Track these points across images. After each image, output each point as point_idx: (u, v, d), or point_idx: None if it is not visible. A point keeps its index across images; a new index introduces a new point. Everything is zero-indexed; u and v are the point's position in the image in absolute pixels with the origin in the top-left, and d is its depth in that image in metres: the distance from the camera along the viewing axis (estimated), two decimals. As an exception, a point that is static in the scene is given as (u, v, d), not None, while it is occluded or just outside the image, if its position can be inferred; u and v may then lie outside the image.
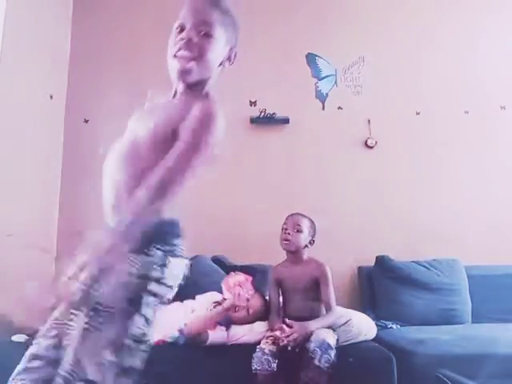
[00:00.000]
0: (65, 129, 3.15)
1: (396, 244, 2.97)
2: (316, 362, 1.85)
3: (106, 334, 1.05)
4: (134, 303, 1.07)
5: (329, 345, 1.91)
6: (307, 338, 1.98)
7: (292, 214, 2.39)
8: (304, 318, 2.11)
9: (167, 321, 2.14)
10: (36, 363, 1.11)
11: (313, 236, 2.33)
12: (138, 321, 1.07)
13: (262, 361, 1.91)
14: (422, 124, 3.23)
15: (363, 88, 3.28)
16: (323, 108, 3.27)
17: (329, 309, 2.16)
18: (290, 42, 3.31)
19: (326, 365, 1.85)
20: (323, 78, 3.29)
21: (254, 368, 1.91)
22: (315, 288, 2.21)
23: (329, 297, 2.18)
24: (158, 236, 1.13)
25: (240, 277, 2.34)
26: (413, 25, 3.34)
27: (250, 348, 2.00)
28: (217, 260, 2.83)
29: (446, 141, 3.22)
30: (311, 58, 3.31)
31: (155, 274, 1.09)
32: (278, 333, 2.00)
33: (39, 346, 1.14)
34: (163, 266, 1.11)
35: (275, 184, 3.16)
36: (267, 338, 2.05)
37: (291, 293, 2.25)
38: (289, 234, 2.28)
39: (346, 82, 3.29)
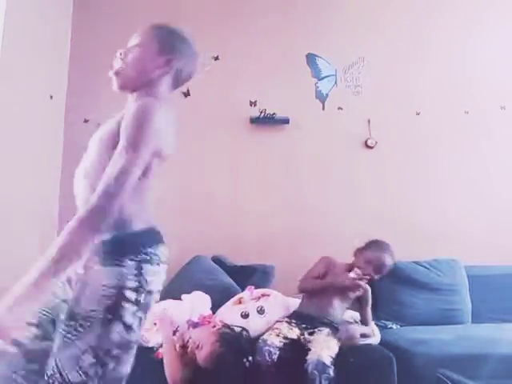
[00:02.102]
0: (65, 129, 3.15)
1: (396, 244, 2.96)
2: (317, 383, 1.88)
3: (86, 341, 1.09)
4: (112, 311, 1.11)
5: (324, 364, 1.91)
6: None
7: (380, 254, 2.32)
8: (318, 315, 2.18)
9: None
10: (14, 349, 1.14)
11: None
12: (119, 328, 1.11)
13: (265, 352, 1.93)
14: (422, 124, 3.23)
15: (363, 88, 3.28)
16: (323, 108, 3.27)
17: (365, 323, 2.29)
18: (289, 42, 3.31)
19: (327, 382, 1.88)
20: (323, 78, 3.29)
21: (257, 359, 1.93)
22: (346, 302, 2.27)
23: (369, 319, 2.29)
24: (129, 247, 1.16)
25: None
26: (413, 25, 3.34)
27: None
28: (217, 260, 2.83)
29: (446, 141, 3.22)
30: (311, 58, 3.31)
31: (130, 283, 1.13)
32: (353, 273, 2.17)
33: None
34: (138, 275, 1.14)
35: (275, 184, 3.16)
36: (273, 329, 2.08)
37: (323, 292, 2.24)
38: (367, 274, 2.26)
39: (346, 82, 3.29)
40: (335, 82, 3.29)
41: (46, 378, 1.09)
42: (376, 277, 2.28)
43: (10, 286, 1.00)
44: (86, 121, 3.15)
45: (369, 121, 3.22)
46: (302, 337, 2.10)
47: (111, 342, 1.11)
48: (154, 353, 2.02)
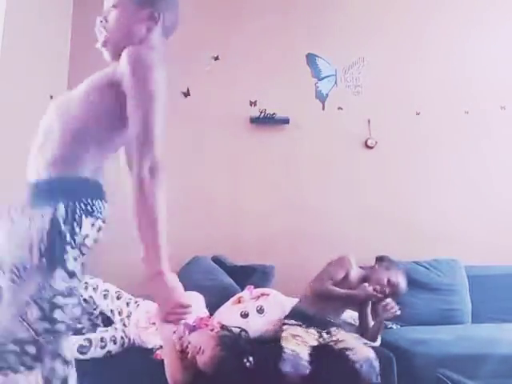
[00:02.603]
0: (65, 129, 3.15)
1: (396, 244, 2.97)
2: (373, 380, 1.86)
3: (27, 291, 1.01)
4: (50, 257, 1.03)
5: (374, 359, 1.91)
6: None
7: (399, 276, 2.28)
8: (328, 316, 2.18)
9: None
10: None
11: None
12: (61, 275, 1.04)
13: (299, 364, 1.86)
14: (422, 124, 3.23)
15: (363, 88, 3.28)
16: (323, 108, 3.26)
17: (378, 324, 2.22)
18: (289, 42, 3.31)
19: (378, 379, 1.88)
20: (323, 78, 3.29)
21: (285, 370, 1.85)
22: (355, 310, 2.27)
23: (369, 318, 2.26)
24: (64, 191, 1.12)
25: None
26: (413, 25, 3.34)
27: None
28: (217, 260, 2.83)
29: (446, 141, 3.22)
30: (311, 58, 3.31)
31: (64, 227, 1.06)
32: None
33: None
34: (73, 220, 1.08)
35: (275, 184, 3.15)
36: (294, 337, 2.01)
37: (335, 296, 2.20)
38: (384, 292, 2.21)
39: (346, 82, 3.29)
40: (335, 82, 3.29)
41: None
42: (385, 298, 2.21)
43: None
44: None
45: (369, 121, 3.22)
46: (320, 339, 2.09)
47: (54, 290, 1.03)
48: (153, 354, 2.02)
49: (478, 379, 2.01)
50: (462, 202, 3.15)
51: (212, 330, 2.02)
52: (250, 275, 2.67)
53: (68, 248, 1.05)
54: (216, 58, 3.24)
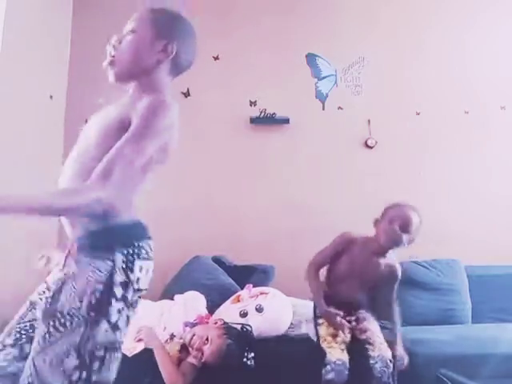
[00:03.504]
0: (65, 129, 3.15)
1: (396, 244, 2.97)
2: (385, 380, 1.87)
3: (69, 341, 1.00)
4: (98, 309, 1.02)
5: (390, 360, 1.92)
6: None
7: (404, 209, 2.06)
8: (346, 305, 2.10)
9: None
10: None
11: (415, 235, 2.03)
12: (105, 327, 1.03)
13: (344, 374, 1.85)
14: (422, 124, 3.23)
15: (363, 88, 3.28)
16: (323, 108, 3.27)
17: (392, 311, 2.12)
18: (290, 42, 3.31)
19: (390, 380, 1.88)
20: (323, 78, 3.29)
21: (329, 377, 1.84)
22: (371, 287, 2.13)
23: (394, 301, 2.14)
24: (119, 239, 1.09)
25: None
26: (413, 25, 3.34)
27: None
28: (217, 260, 2.83)
29: (446, 141, 3.22)
30: (311, 58, 3.31)
31: (119, 278, 1.05)
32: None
33: None
34: (127, 269, 1.06)
35: (275, 184, 3.15)
36: (334, 337, 1.98)
37: (350, 275, 2.10)
38: (398, 234, 1.99)
39: (346, 82, 3.29)
40: (335, 82, 3.29)
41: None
42: (404, 238, 1.99)
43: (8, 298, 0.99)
44: (86, 121, 3.15)
45: (369, 121, 3.22)
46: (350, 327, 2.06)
47: (96, 342, 1.01)
48: (153, 354, 2.02)
49: (478, 379, 2.01)
50: (462, 202, 3.15)
51: (215, 324, 2.03)
52: (250, 275, 2.67)
53: (113, 300, 1.04)
54: (216, 58, 3.24)
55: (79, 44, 3.24)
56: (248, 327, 2.07)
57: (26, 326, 1.15)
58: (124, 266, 1.06)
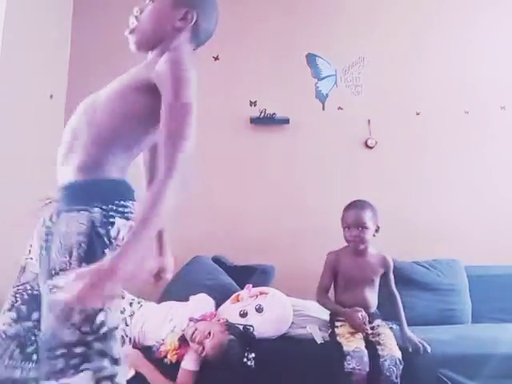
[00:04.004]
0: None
1: (396, 244, 2.97)
2: (393, 379, 1.91)
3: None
4: (88, 261, 1.01)
5: (399, 360, 1.96)
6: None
7: (351, 208, 2.27)
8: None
9: (151, 325, 2.11)
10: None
11: (377, 223, 2.27)
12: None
13: (364, 360, 1.91)
14: (422, 124, 3.23)
15: (363, 88, 3.28)
16: (323, 108, 3.27)
17: (395, 299, 2.29)
18: (290, 42, 3.31)
19: (398, 380, 1.91)
20: (323, 78, 3.29)
21: (351, 367, 1.90)
22: (375, 280, 2.27)
23: (394, 287, 2.30)
24: (98, 194, 1.10)
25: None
26: (413, 25, 3.34)
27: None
28: (217, 260, 2.83)
29: (446, 141, 3.22)
30: (311, 58, 3.31)
31: (100, 230, 1.06)
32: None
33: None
34: (107, 224, 1.07)
35: (275, 184, 3.16)
36: (352, 334, 2.07)
37: (349, 282, 2.25)
38: (355, 235, 2.21)
39: (346, 82, 3.29)
40: (335, 82, 3.29)
41: (35, 344, 1.04)
42: (361, 233, 2.20)
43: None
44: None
45: (369, 121, 3.22)
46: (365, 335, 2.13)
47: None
48: (154, 352, 2.02)
49: (478, 379, 2.01)
50: (462, 201, 3.15)
51: (218, 321, 2.04)
52: (250, 275, 2.67)
53: (106, 250, 1.05)
54: (216, 58, 3.25)
55: (79, 44, 3.24)
56: (250, 327, 2.08)
57: (19, 289, 1.17)
58: (102, 220, 1.07)
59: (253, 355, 1.93)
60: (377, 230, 2.28)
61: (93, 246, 1.04)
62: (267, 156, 3.19)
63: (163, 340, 2.05)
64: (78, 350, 1.00)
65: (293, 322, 2.28)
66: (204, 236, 2.99)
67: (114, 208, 1.10)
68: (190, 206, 3.04)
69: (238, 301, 2.33)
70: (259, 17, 3.31)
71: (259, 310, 2.25)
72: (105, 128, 1.14)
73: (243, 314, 2.22)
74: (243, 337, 2.01)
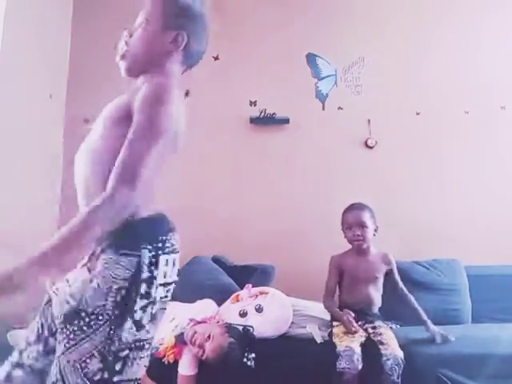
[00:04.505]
0: (65, 129, 3.15)
1: (396, 244, 2.97)
2: (395, 378, 1.92)
3: (92, 342, 0.98)
4: (123, 308, 1.00)
5: (401, 359, 1.97)
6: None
7: (350, 210, 2.37)
8: (362, 307, 2.27)
9: None
10: (19, 372, 1.08)
11: (375, 224, 2.36)
12: (129, 326, 1.00)
13: (354, 360, 1.93)
14: (422, 124, 3.23)
15: (363, 88, 3.28)
16: (323, 108, 3.26)
17: (404, 293, 2.37)
18: (290, 42, 3.30)
19: (399, 380, 1.93)
20: (323, 78, 3.29)
21: (341, 366, 1.92)
22: (379, 278, 2.34)
23: (402, 285, 2.39)
24: (144, 235, 1.06)
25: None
26: (413, 25, 3.34)
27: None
28: (217, 260, 2.83)
29: (446, 141, 3.22)
30: (311, 58, 3.31)
31: (144, 274, 1.02)
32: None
33: (22, 353, 1.11)
34: (152, 264, 1.04)
35: (275, 184, 3.15)
36: (346, 333, 2.10)
37: (353, 282, 2.31)
38: (358, 235, 2.30)
39: (346, 82, 3.29)
40: (335, 82, 3.29)
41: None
42: (361, 232, 2.30)
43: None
44: (86, 120, 3.15)
45: (369, 121, 3.22)
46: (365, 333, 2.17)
47: (121, 341, 0.99)
48: (155, 353, 2.02)
49: (478, 379, 2.01)
50: (462, 201, 3.15)
51: (218, 322, 2.04)
52: (250, 275, 2.67)
53: (137, 298, 1.01)
54: (216, 58, 3.24)
55: (79, 43, 3.24)
56: (250, 328, 2.08)
57: (46, 320, 1.12)
58: (149, 262, 1.03)
59: (253, 355, 1.93)
60: (376, 230, 2.36)
61: (131, 293, 1.01)
62: (267, 156, 3.19)
63: (163, 339, 2.05)
64: None
65: (292, 322, 2.28)
66: (204, 236, 2.99)
67: (160, 245, 1.07)
68: (190, 206, 3.04)
69: (238, 301, 2.33)
70: (259, 17, 3.31)
71: (259, 309, 2.25)
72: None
73: (243, 314, 2.22)
74: (243, 338, 2.01)
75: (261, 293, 2.36)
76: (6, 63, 2.51)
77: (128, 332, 1.01)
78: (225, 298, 2.40)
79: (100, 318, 0.99)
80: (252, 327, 2.09)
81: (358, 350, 2.00)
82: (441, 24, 3.34)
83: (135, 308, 1.01)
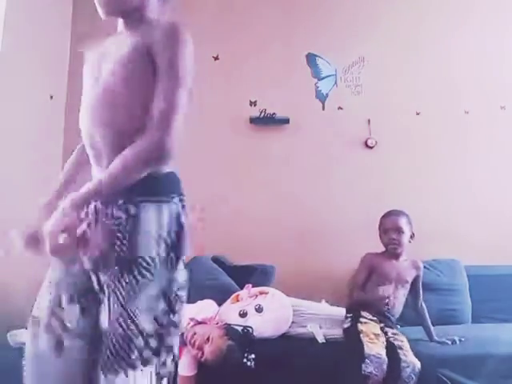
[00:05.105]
0: (65, 129, 3.15)
1: (396, 244, 2.97)
2: None
3: (156, 286, 1.01)
4: (176, 249, 1.05)
5: (419, 369, 1.96)
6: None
7: (389, 215, 2.44)
8: (385, 310, 2.28)
9: None
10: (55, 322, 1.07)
11: (412, 230, 2.39)
12: (181, 267, 1.06)
13: (383, 368, 1.92)
14: (422, 124, 3.23)
15: (363, 88, 3.27)
16: (323, 108, 3.26)
17: (422, 306, 2.40)
18: (290, 42, 3.30)
19: None
20: (323, 78, 3.29)
21: (369, 370, 1.91)
22: (408, 284, 2.36)
23: (421, 296, 2.41)
24: (176, 185, 1.17)
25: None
26: (413, 25, 3.33)
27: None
28: (217, 260, 2.83)
29: (446, 141, 3.22)
30: (311, 58, 3.31)
31: (183, 219, 1.10)
32: None
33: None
34: (181, 214, 1.11)
35: (275, 184, 3.15)
36: (376, 336, 2.09)
37: (382, 283, 2.33)
38: (394, 239, 2.35)
39: (346, 82, 3.29)
40: (335, 82, 3.29)
41: (111, 334, 0.97)
42: (399, 237, 2.35)
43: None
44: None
45: (369, 121, 3.22)
46: (387, 337, 2.16)
47: (178, 282, 1.05)
48: None
49: (478, 379, 2.01)
50: (462, 201, 3.15)
51: (217, 324, 2.04)
52: (250, 275, 2.67)
53: (187, 241, 1.08)
54: (216, 58, 3.24)
55: (79, 44, 3.23)
56: (249, 329, 2.07)
57: (75, 280, 1.11)
58: (183, 210, 1.12)
59: (252, 356, 1.93)
60: (411, 237, 2.38)
61: (180, 236, 1.07)
62: (267, 156, 3.19)
63: None
64: (153, 342, 0.99)
65: (293, 321, 2.28)
66: (204, 236, 2.98)
67: (183, 198, 1.15)
68: (190, 206, 3.04)
69: (238, 301, 2.33)
70: (259, 17, 3.31)
71: (259, 309, 2.25)
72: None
73: (243, 314, 2.22)
74: (242, 339, 2.00)
75: (261, 293, 2.36)
76: (6, 63, 2.51)
77: (181, 272, 1.06)
78: (225, 298, 2.40)
79: (157, 262, 1.01)
80: (252, 328, 2.09)
81: (385, 356, 1.99)
82: (441, 24, 3.34)
83: (185, 249, 1.07)
